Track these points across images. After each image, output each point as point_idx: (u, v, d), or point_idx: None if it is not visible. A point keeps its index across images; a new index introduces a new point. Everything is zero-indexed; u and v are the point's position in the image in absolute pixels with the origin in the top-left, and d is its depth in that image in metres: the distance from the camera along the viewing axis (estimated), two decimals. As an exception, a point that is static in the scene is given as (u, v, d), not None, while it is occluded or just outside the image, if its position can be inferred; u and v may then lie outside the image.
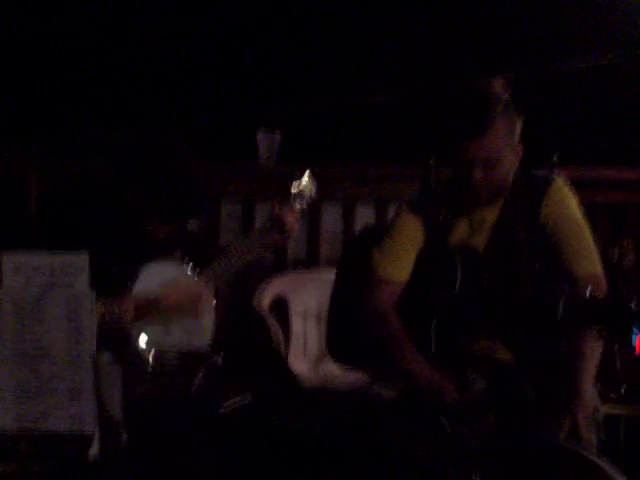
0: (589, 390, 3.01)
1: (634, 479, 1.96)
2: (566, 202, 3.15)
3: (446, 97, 3.36)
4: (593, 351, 3.05)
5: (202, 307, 3.28)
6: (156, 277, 3.19)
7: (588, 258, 3.11)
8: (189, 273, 3.28)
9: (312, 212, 3.84)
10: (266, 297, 4.45)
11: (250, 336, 4.36)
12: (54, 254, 1.78)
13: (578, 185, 3.23)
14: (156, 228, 3.23)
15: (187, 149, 3.24)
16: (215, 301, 3.33)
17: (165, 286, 3.20)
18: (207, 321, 3.31)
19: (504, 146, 3.04)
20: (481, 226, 3.17)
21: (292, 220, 3.40)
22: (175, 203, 3.19)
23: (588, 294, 2.63)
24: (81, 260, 1.76)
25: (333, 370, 3.65)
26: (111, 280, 3.06)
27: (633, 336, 3.99)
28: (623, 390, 3.91)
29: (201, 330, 3.29)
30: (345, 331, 3.39)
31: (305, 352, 4.45)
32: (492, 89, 3.10)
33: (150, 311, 3.14)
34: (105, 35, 5.16)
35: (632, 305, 2.52)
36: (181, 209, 3.24)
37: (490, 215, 3.17)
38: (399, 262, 3.22)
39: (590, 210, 3.20)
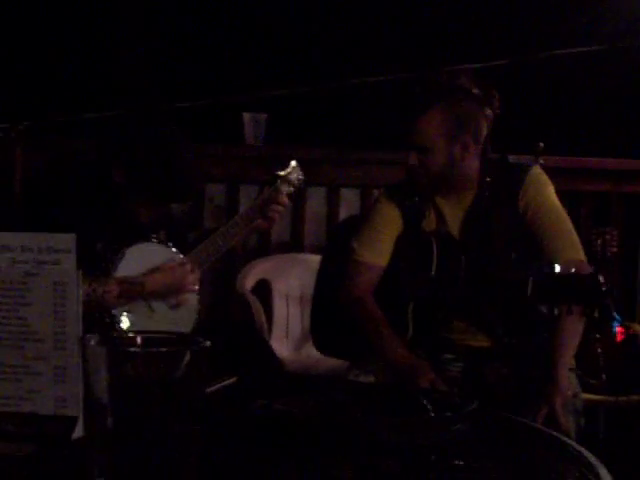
0: (565, 376, 3.02)
1: (613, 467, 1.97)
2: (544, 190, 3.16)
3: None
4: (570, 339, 3.07)
5: (187, 292, 3.28)
6: (142, 259, 3.19)
7: (569, 244, 3.12)
8: (175, 257, 3.27)
9: (296, 195, 3.83)
10: (249, 280, 4.45)
11: (233, 319, 4.37)
12: (41, 234, 1.77)
13: (563, 174, 3.25)
14: (142, 210, 3.22)
15: (179, 132, 3.22)
16: (199, 286, 3.33)
17: (151, 269, 3.20)
18: (191, 306, 3.31)
19: (439, 136, 3.05)
20: (454, 215, 3.18)
21: (278, 204, 3.39)
22: (163, 187, 3.18)
23: (558, 270, 2.62)
24: (68, 241, 1.75)
25: (315, 353, 3.67)
26: (96, 259, 3.05)
27: (614, 324, 4.02)
28: (604, 378, 3.93)
29: (185, 314, 3.29)
30: (328, 320, 3.41)
31: (287, 335, 4.46)
32: (430, 78, 3.10)
33: (136, 294, 3.14)
34: (93, 17, 5.14)
35: (601, 279, 2.52)
36: (169, 193, 3.23)
37: (462, 204, 3.18)
38: (377, 247, 3.24)
39: (574, 199, 3.23)
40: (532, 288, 2.63)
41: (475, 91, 3.06)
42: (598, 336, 3.97)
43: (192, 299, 3.31)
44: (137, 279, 3.15)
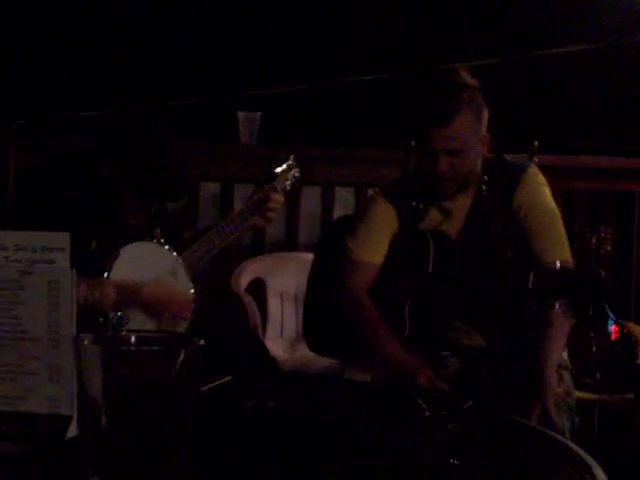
0: (554, 374, 3.02)
1: (608, 465, 1.97)
2: (539, 190, 3.16)
3: (412, 84, 3.35)
4: (558, 337, 3.07)
5: (183, 297, 3.27)
6: (137, 258, 3.17)
7: (558, 246, 3.13)
8: (170, 256, 3.26)
9: (291, 194, 3.83)
10: (244, 279, 4.45)
11: (227, 318, 4.36)
12: (35, 233, 1.77)
13: (557, 173, 3.25)
14: (133, 208, 3.22)
15: (169, 131, 3.21)
16: (194, 287, 3.31)
17: (147, 271, 3.19)
18: (187, 310, 3.30)
19: (470, 135, 3.04)
20: (453, 213, 3.18)
21: (274, 203, 3.39)
22: (153, 185, 3.17)
23: (558, 265, 2.63)
24: (62, 239, 1.75)
25: (310, 352, 3.66)
26: (90, 258, 3.04)
27: (608, 322, 4.02)
28: (598, 376, 3.93)
29: (180, 318, 3.28)
30: (321, 319, 3.40)
31: (282, 334, 4.46)
32: (458, 77, 3.08)
33: (131, 296, 3.13)
34: (86, 16, 5.13)
35: (602, 274, 2.53)
36: (158, 192, 3.22)
37: (462, 203, 3.17)
38: (372, 245, 3.23)
39: (569, 198, 3.23)
40: (533, 282, 2.64)
41: (478, 84, 3.07)
42: (592, 335, 3.97)
43: (187, 305, 3.29)
44: (135, 287, 3.14)
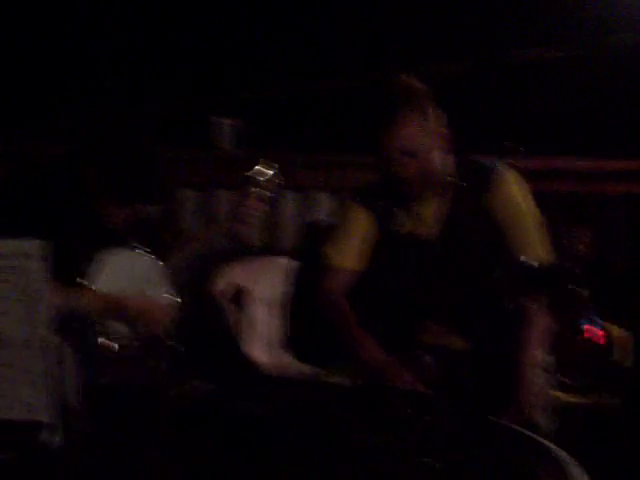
0: (532, 373, 3.03)
1: (587, 466, 1.99)
2: (513, 190, 3.17)
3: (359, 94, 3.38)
4: (537, 337, 3.08)
5: (163, 309, 3.26)
6: (120, 267, 3.16)
7: (538, 245, 3.13)
8: (152, 264, 3.25)
9: (272, 200, 3.83)
10: (223, 284, 4.45)
11: (208, 323, 4.37)
12: (10, 240, 1.76)
13: (534, 174, 3.25)
14: (116, 213, 3.21)
15: (147, 134, 3.22)
16: (179, 295, 3.31)
17: (129, 280, 3.18)
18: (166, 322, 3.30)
19: (421, 135, 3.05)
20: (425, 215, 3.18)
21: (253, 209, 3.39)
22: (132, 184, 3.17)
23: (522, 260, 2.65)
24: (38, 247, 1.75)
25: (289, 357, 3.67)
26: (73, 266, 3.04)
27: (591, 324, 4.04)
28: (579, 378, 3.95)
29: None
30: (304, 327, 3.42)
31: (260, 338, 4.46)
32: (398, 81, 3.10)
33: (112, 307, 3.12)
34: (61, 22, 5.12)
35: (565, 266, 2.55)
36: (138, 191, 3.22)
37: (434, 204, 3.18)
38: (347, 250, 3.24)
39: (545, 199, 3.22)
40: (499, 277, 2.66)
41: (421, 86, 3.09)
42: (574, 336, 3.99)
43: (167, 316, 3.29)
44: (122, 300, 3.12)
